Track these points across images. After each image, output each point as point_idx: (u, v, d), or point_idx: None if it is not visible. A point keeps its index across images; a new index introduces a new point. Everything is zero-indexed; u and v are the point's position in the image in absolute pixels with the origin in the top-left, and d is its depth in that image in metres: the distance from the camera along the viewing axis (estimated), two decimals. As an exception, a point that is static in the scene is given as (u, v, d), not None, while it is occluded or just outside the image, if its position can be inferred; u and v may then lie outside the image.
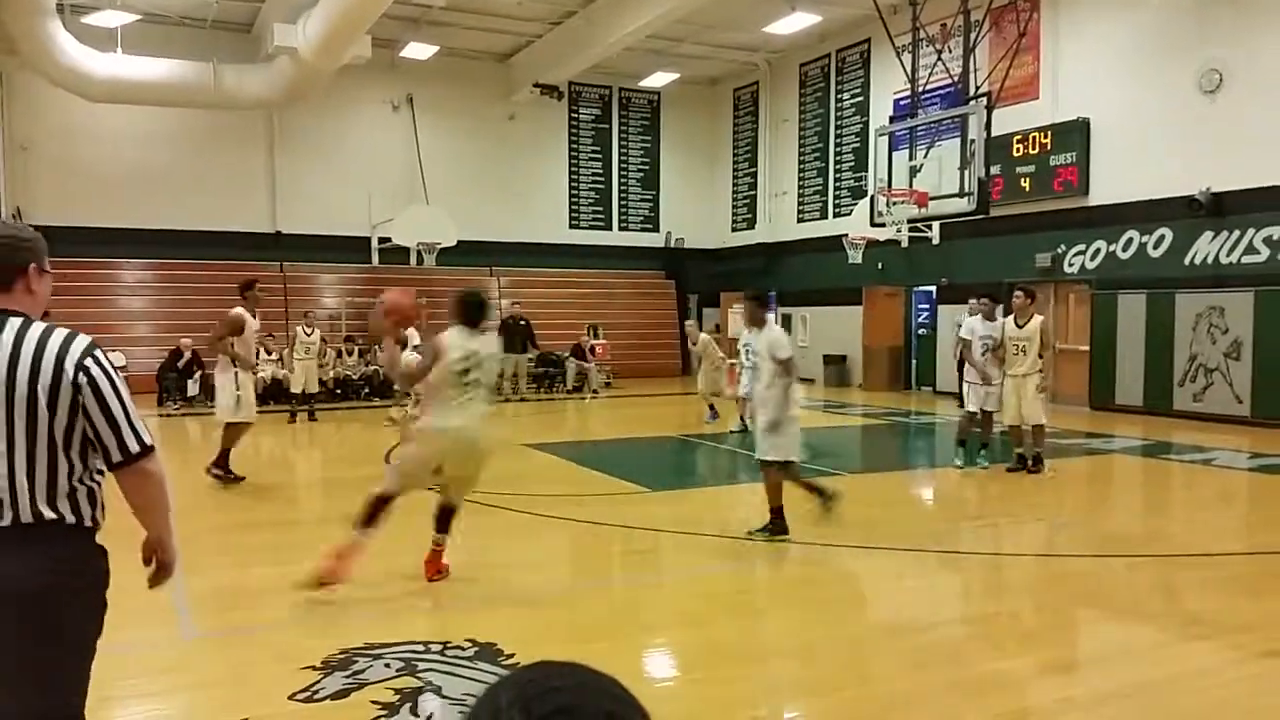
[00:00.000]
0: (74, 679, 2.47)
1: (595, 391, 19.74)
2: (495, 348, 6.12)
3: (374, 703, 4.03)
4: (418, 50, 20.68)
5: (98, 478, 2.51)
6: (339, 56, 16.94)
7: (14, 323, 2.43)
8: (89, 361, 2.42)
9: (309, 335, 14.97)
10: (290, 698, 4.09)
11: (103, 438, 2.43)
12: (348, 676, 4.31)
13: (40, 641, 2.34)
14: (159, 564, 2.68)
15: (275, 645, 4.90)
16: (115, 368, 2.50)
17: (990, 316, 10.08)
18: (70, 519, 2.42)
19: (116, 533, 2.64)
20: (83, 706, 2.51)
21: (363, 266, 21.58)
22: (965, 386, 10.52)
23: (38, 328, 2.44)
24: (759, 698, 4.37)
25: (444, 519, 5.88)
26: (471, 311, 5.79)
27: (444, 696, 4.13)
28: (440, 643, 4.71)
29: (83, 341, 2.45)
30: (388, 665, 4.44)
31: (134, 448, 2.46)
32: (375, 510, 5.55)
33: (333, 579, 5.36)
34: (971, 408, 10.21)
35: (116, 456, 2.45)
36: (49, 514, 2.39)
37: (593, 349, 20.55)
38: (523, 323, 18.75)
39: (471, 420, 5.67)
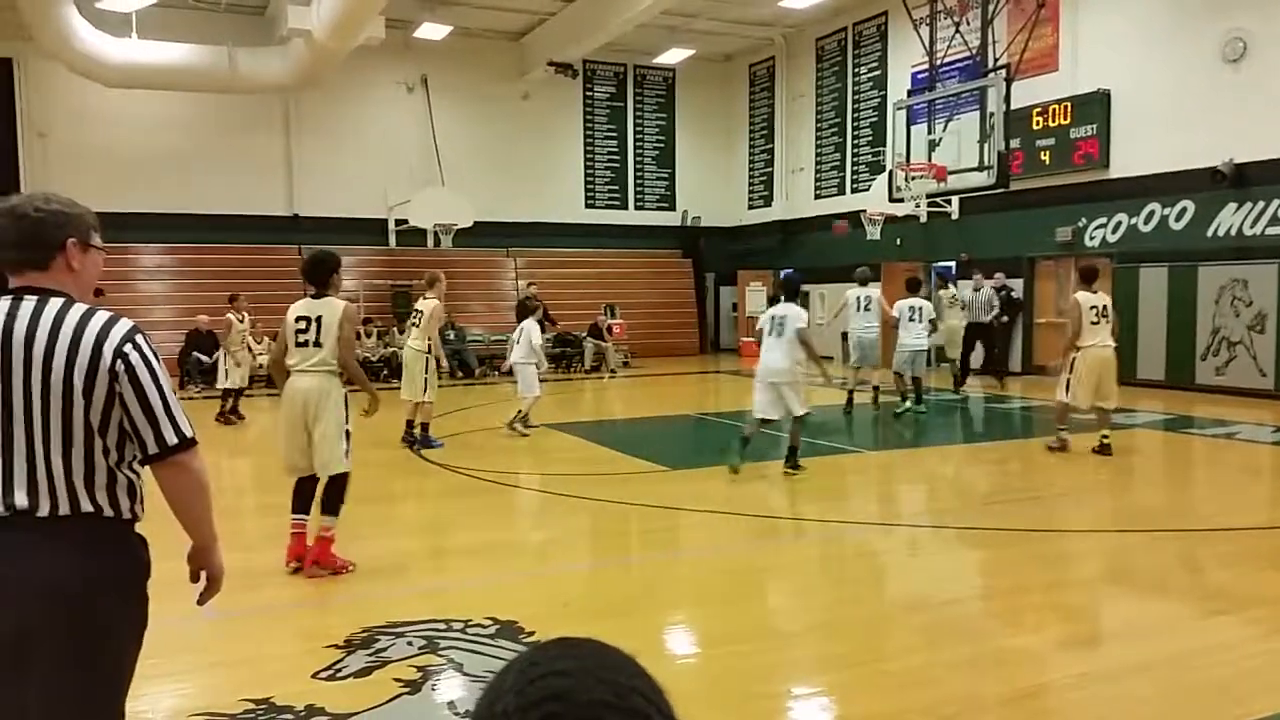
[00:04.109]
0: (115, 680, 2.34)
1: (613, 371, 19.74)
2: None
3: (396, 680, 4.07)
4: (431, 31, 20.65)
5: (136, 468, 2.38)
6: (353, 38, 16.90)
7: (54, 303, 2.30)
8: (128, 348, 2.29)
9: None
10: (313, 676, 4.14)
11: (139, 429, 2.31)
12: (370, 655, 4.36)
13: (80, 641, 2.22)
14: (208, 578, 2.54)
15: (298, 624, 4.95)
16: (157, 355, 2.37)
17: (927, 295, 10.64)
18: (109, 511, 2.30)
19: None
20: (124, 703, 2.40)
21: (380, 248, 21.62)
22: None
23: (78, 309, 2.30)
24: (777, 672, 4.39)
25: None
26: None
27: (465, 674, 4.17)
28: (462, 620, 4.74)
29: (124, 326, 2.32)
30: (410, 643, 4.48)
31: (171, 439, 2.33)
32: None
33: None
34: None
35: (153, 449, 2.32)
36: (86, 505, 2.27)
37: (610, 328, 20.55)
38: (537, 303, 18.74)
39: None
